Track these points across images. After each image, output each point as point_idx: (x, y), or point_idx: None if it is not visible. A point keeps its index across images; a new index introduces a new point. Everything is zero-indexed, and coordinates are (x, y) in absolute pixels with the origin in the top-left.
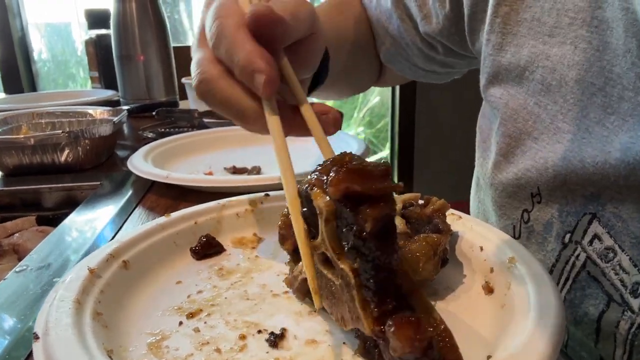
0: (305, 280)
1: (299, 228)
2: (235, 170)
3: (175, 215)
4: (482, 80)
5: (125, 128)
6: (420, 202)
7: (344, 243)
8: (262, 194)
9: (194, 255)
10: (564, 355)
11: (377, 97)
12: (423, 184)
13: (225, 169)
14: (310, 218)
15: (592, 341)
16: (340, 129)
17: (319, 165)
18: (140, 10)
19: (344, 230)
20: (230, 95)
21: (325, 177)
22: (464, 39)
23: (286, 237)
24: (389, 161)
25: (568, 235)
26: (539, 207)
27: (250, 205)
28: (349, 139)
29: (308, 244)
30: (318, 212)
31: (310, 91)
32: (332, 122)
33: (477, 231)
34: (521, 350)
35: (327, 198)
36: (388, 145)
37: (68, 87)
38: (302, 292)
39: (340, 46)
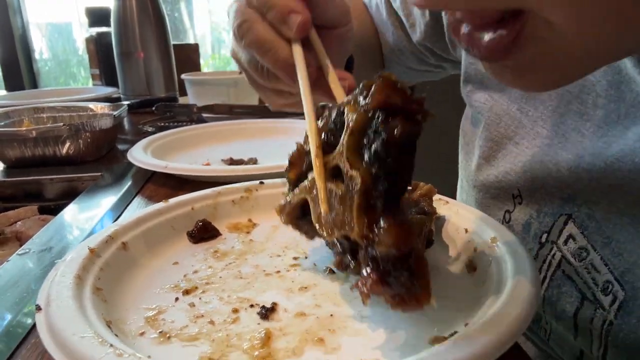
0: (295, 206)
1: (314, 138)
2: (232, 162)
3: (172, 201)
4: (466, 86)
5: (125, 123)
6: (408, 187)
7: (363, 152)
8: (257, 181)
9: (191, 239)
10: (548, 348)
11: None
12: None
13: (222, 160)
14: (331, 133)
15: (571, 335)
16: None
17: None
18: (140, 7)
19: (367, 142)
20: (265, 35)
21: (365, 92)
22: (447, 46)
23: (294, 164)
24: None
25: (545, 235)
26: (520, 208)
27: (246, 192)
28: None
29: (321, 155)
30: (347, 123)
31: None
32: (347, 90)
33: (462, 215)
34: (495, 317)
35: (362, 110)
36: None
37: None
38: (291, 216)
39: (359, 52)
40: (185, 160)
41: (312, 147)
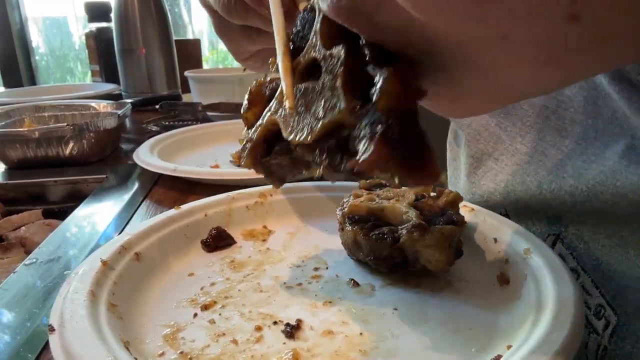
0: (258, 140)
1: (282, 36)
2: None
3: (185, 207)
4: None
5: (128, 122)
6: (433, 194)
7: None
8: (271, 186)
9: (205, 248)
10: None
11: None
12: None
13: (231, 162)
14: (299, 36)
15: None
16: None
17: None
18: (141, 3)
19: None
20: None
21: None
22: None
23: (254, 102)
24: None
25: None
26: None
27: (260, 198)
28: None
29: (289, 54)
30: (317, 13)
31: None
32: None
33: (490, 223)
34: (542, 341)
35: None
36: None
37: (66, 81)
38: (254, 154)
39: None
40: (193, 162)
41: (279, 47)
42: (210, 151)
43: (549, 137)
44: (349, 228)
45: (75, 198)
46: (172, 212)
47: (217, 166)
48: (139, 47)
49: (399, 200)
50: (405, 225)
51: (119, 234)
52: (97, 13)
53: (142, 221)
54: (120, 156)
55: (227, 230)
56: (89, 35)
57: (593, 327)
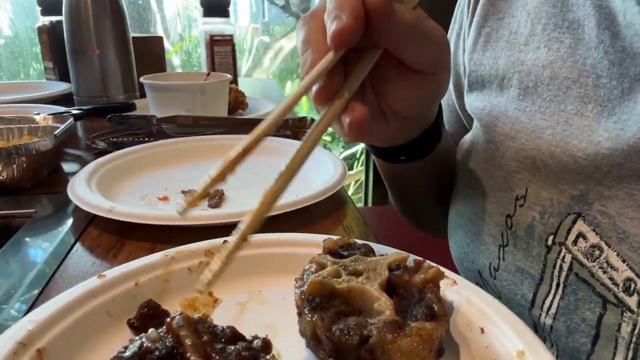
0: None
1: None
2: None
3: (110, 275)
4: (470, 95)
5: (78, 128)
6: (410, 265)
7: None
8: (221, 240)
9: (133, 330)
10: None
11: None
12: None
13: (183, 192)
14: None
15: (585, 354)
16: (355, 139)
17: None
18: None
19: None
20: (311, 33)
21: None
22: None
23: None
24: (365, 155)
25: (551, 237)
26: (521, 211)
27: (206, 257)
28: (326, 158)
29: None
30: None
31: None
32: (349, 126)
33: (475, 304)
34: None
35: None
36: (363, 160)
37: (27, 73)
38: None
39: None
40: (140, 191)
41: None
42: (162, 176)
43: (571, 107)
44: (308, 317)
45: (3, 232)
46: (93, 283)
47: (165, 198)
48: (92, 48)
49: (369, 278)
50: (376, 320)
51: (27, 310)
52: (51, 5)
53: (63, 284)
54: (59, 179)
55: (163, 300)
56: (42, 29)
57: (625, 305)
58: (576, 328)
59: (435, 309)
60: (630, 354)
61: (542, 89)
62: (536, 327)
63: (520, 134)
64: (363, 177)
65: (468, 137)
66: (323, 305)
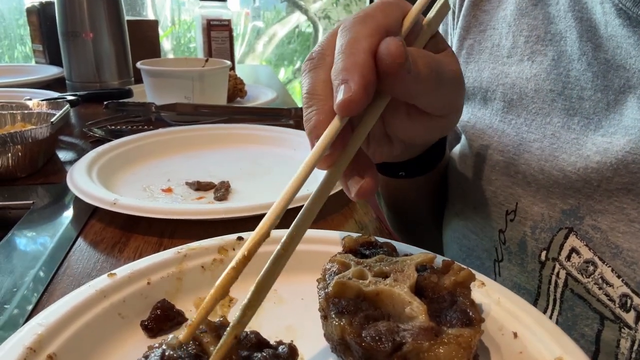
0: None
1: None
2: (199, 187)
3: (121, 274)
4: None
5: (73, 114)
6: (437, 266)
7: None
8: (235, 236)
9: (147, 332)
10: None
11: None
12: None
13: (187, 184)
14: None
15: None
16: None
17: None
18: None
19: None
20: (317, 86)
21: None
22: None
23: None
24: None
25: (544, 253)
26: (512, 226)
27: (219, 254)
28: None
29: None
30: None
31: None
32: (357, 194)
33: (506, 307)
34: None
35: None
36: None
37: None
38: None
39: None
40: (142, 181)
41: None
42: (163, 165)
43: (557, 119)
44: (335, 321)
45: None
46: (103, 282)
47: (169, 190)
48: (85, 31)
49: (397, 280)
50: (409, 325)
51: (32, 310)
52: None
53: (68, 282)
54: (55, 169)
55: (175, 302)
56: (31, 11)
57: (623, 321)
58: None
59: (471, 313)
60: None
61: (527, 101)
62: None
63: (508, 147)
64: None
65: (457, 149)
66: (350, 308)
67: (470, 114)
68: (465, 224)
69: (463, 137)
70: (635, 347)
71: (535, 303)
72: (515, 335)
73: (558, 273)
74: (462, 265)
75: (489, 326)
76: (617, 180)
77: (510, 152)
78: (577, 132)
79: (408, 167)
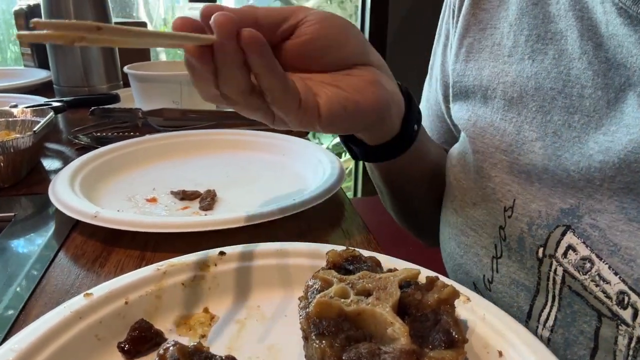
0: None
1: None
2: (185, 196)
3: (97, 293)
4: (454, 105)
5: (59, 120)
6: (422, 282)
7: None
8: (216, 251)
9: (124, 355)
10: None
11: None
12: None
13: (172, 193)
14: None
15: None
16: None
17: None
18: None
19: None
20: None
21: None
22: None
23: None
24: (354, 164)
25: (541, 250)
26: (510, 222)
27: (201, 270)
28: (322, 156)
29: None
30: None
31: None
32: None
33: (491, 324)
34: None
35: None
36: None
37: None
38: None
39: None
40: (126, 190)
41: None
42: (149, 173)
43: (557, 117)
44: (315, 343)
45: None
46: (78, 303)
47: (153, 200)
48: None
49: (380, 299)
50: (391, 347)
51: (8, 331)
52: None
53: (47, 300)
54: (40, 178)
55: (155, 321)
56: (19, 13)
57: (620, 319)
58: (574, 340)
59: (454, 334)
60: None
61: (527, 99)
62: None
63: (512, 147)
64: (352, 165)
65: (456, 147)
66: (331, 329)
67: (470, 112)
68: (464, 221)
69: (462, 135)
70: (632, 345)
71: (534, 300)
72: (500, 354)
73: (555, 270)
74: (447, 281)
75: (473, 344)
76: (619, 179)
77: (514, 151)
78: (577, 130)
79: (383, 151)
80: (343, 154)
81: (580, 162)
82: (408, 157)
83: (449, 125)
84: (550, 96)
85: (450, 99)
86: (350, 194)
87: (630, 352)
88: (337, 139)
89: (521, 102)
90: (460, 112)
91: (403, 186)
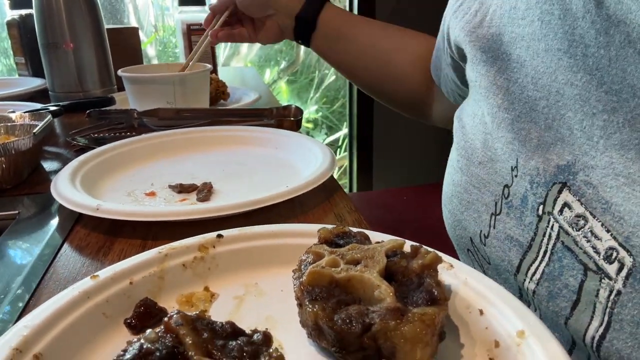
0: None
1: None
2: (182, 189)
3: (103, 275)
4: (466, 69)
5: (57, 124)
6: (407, 251)
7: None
8: (214, 234)
9: (131, 330)
10: None
11: (334, 76)
12: (382, 163)
13: (170, 187)
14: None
15: (564, 318)
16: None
17: None
18: None
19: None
20: None
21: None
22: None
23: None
24: (348, 141)
25: (541, 207)
26: (516, 181)
27: (200, 252)
28: (314, 146)
29: None
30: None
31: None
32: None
33: (473, 287)
34: None
35: None
36: (346, 124)
37: None
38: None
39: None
40: (126, 187)
41: None
42: (147, 171)
43: (562, 77)
44: (309, 308)
45: None
46: (86, 284)
47: (152, 194)
48: (66, 42)
49: (368, 266)
50: (378, 307)
51: (19, 315)
52: None
53: (55, 287)
54: (41, 179)
55: (159, 298)
56: (11, 24)
57: (604, 273)
58: (558, 293)
59: (436, 293)
60: (606, 317)
61: (537, 62)
62: (521, 292)
63: (514, 105)
64: (347, 163)
65: (467, 108)
66: (323, 295)
67: (477, 73)
68: (469, 180)
69: (473, 95)
70: (612, 297)
71: (524, 255)
72: (481, 312)
73: (552, 226)
74: (429, 249)
75: (457, 305)
76: (617, 136)
77: (516, 109)
78: (579, 88)
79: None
80: (338, 151)
81: (583, 121)
82: (321, 42)
83: (457, 84)
84: (556, 57)
85: (467, 59)
86: (346, 190)
87: (609, 304)
88: (329, 139)
89: (531, 64)
90: (473, 73)
91: (339, 67)
